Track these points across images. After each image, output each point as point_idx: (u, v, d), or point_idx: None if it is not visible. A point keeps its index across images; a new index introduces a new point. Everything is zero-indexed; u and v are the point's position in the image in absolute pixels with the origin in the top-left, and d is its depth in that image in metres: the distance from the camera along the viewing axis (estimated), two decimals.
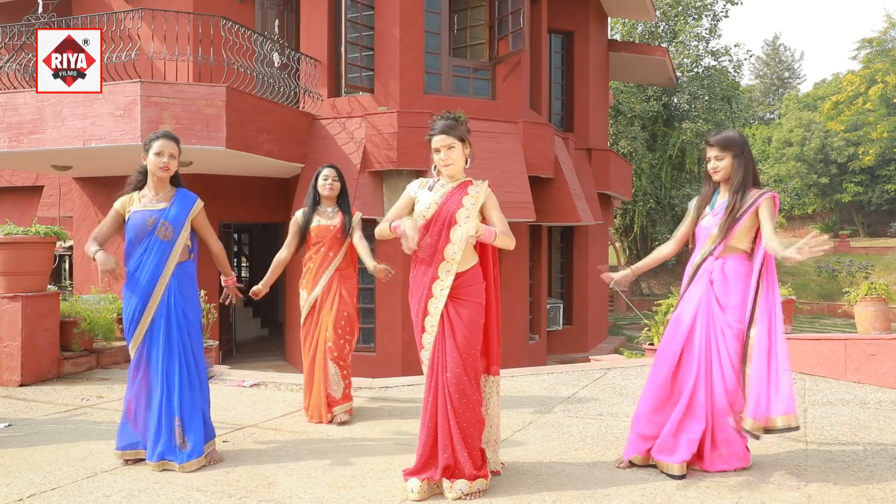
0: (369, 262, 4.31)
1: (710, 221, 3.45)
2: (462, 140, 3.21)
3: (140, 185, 3.70)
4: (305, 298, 4.63)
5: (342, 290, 4.58)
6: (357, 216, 4.67)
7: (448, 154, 3.17)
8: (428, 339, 3.15)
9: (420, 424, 3.15)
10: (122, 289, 3.65)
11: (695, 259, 3.51)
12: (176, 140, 3.69)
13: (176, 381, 3.54)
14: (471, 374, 3.07)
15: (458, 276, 3.14)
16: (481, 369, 3.22)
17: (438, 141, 3.17)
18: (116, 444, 3.60)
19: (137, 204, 3.63)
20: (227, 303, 4.18)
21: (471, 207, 3.16)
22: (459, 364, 3.05)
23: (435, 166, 3.27)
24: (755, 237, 3.39)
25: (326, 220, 4.59)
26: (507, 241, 3.15)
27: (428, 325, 3.15)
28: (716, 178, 3.45)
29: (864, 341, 5.46)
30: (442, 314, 3.11)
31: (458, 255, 3.12)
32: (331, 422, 4.44)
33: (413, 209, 3.31)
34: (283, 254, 4.67)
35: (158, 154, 3.59)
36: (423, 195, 3.26)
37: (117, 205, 3.67)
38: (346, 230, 4.58)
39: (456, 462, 3.03)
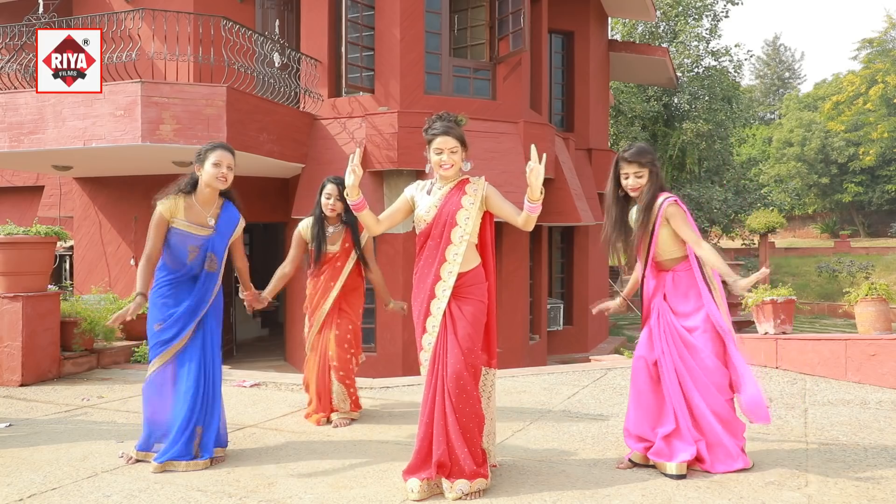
0: (387, 300, 4.54)
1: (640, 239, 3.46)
2: (463, 143, 3.21)
3: (188, 192, 3.54)
4: (309, 329, 4.59)
5: (343, 305, 4.52)
6: (364, 239, 4.53)
7: (450, 157, 3.17)
8: (428, 340, 3.15)
9: (419, 421, 3.15)
10: (155, 299, 3.54)
11: (637, 275, 3.55)
12: (233, 152, 3.58)
13: (202, 392, 3.55)
14: (471, 371, 3.07)
15: (461, 276, 3.15)
16: (482, 365, 3.21)
17: (442, 142, 3.16)
18: (138, 444, 3.62)
19: (181, 217, 3.49)
20: (254, 308, 4.15)
21: (470, 207, 3.18)
22: (461, 360, 3.05)
23: (430, 167, 3.26)
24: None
25: (329, 245, 4.49)
26: (534, 220, 3.18)
27: (429, 325, 3.15)
28: (634, 194, 3.43)
29: (865, 341, 5.46)
30: (445, 312, 3.11)
31: (459, 257, 3.14)
32: (325, 423, 4.43)
33: (407, 212, 3.32)
34: (286, 268, 4.57)
35: (217, 165, 3.47)
36: (422, 199, 3.27)
37: (164, 210, 3.48)
38: (347, 255, 4.48)
39: (455, 459, 3.03)
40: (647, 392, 3.39)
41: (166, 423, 3.56)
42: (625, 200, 3.52)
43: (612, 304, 3.76)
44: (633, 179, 3.40)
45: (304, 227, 4.56)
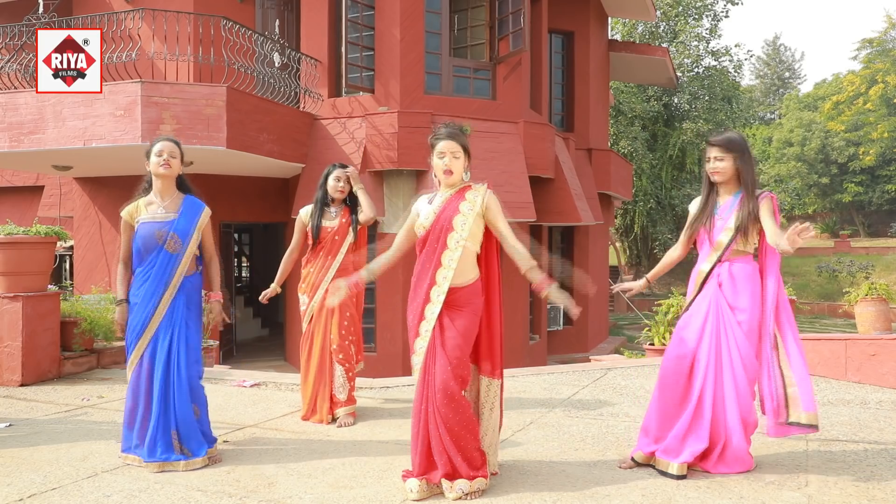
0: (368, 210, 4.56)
1: (720, 226, 3.40)
2: (466, 151, 3.22)
3: (147, 191, 3.70)
4: (306, 304, 4.63)
5: None
6: (363, 219, 4.66)
7: (452, 161, 3.17)
8: (420, 344, 3.15)
9: (412, 432, 3.14)
10: (130, 295, 3.63)
11: (702, 267, 3.47)
12: (176, 142, 3.70)
13: (175, 393, 3.54)
14: (458, 380, 3.07)
15: (458, 289, 3.14)
16: (469, 375, 3.18)
17: (446, 146, 3.17)
18: (122, 446, 3.63)
19: (145, 213, 3.61)
20: (210, 325, 3.94)
21: (468, 213, 3.16)
22: (447, 371, 3.04)
23: (435, 174, 3.26)
24: (760, 239, 3.40)
25: (328, 221, 4.58)
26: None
27: (423, 329, 3.15)
28: (716, 178, 3.42)
29: (865, 341, 5.46)
30: (436, 322, 3.11)
31: (454, 262, 3.12)
32: (332, 422, 4.44)
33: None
34: (293, 254, 4.70)
35: (159, 154, 3.61)
36: (423, 208, 3.28)
37: (126, 216, 3.65)
38: (345, 232, 4.55)
39: (453, 467, 3.04)
40: (677, 389, 3.34)
41: (143, 426, 3.55)
42: (712, 185, 3.51)
43: (636, 285, 3.72)
44: (713, 163, 3.42)
45: (306, 212, 4.66)
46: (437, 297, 3.13)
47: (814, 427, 3.28)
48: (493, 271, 3.30)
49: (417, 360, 3.16)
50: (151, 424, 3.50)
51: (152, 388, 3.55)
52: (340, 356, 4.51)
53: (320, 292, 4.55)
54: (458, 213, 3.16)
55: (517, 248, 3.18)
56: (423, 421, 3.08)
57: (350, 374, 4.55)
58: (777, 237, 3.17)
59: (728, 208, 3.40)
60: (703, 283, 3.46)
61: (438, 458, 3.03)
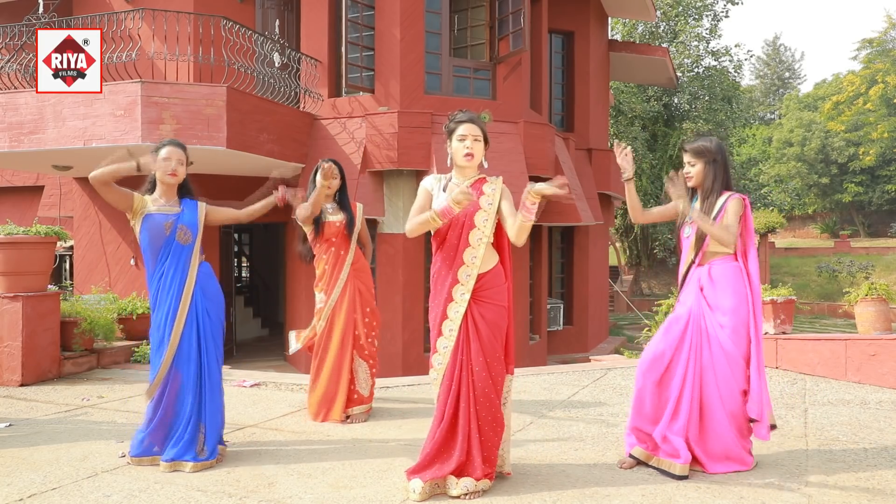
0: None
1: (689, 231, 3.48)
2: (485, 137, 3.20)
3: (150, 191, 3.70)
4: (324, 301, 4.58)
5: (360, 287, 4.62)
6: (360, 207, 4.70)
7: (474, 144, 3.14)
8: (444, 344, 3.12)
9: (433, 422, 3.12)
10: (150, 299, 3.66)
11: (681, 269, 3.57)
12: (183, 147, 3.71)
13: (207, 387, 3.58)
14: (495, 377, 3.08)
15: (480, 276, 3.11)
16: (503, 371, 3.18)
17: (468, 129, 3.14)
18: (131, 450, 3.59)
19: (151, 206, 3.63)
20: (285, 196, 4.05)
21: (488, 208, 3.14)
22: (484, 367, 3.05)
23: (450, 160, 3.21)
24: (742, 239, 3.43)
25: (332, 216, 4.56)
26: (526, 232, 3.11)
27: (446, 329, 3.12)
28: (689, 184, 3.50)
29: (865, 341, 5.46)
30: (465, 316, 3.09)
31: (478, 259, 3.11)
32: (346, 420, 4.42)
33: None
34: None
35: (166, 160, 3.61)
36: (438, 196, 3.21)
37: (135, 197, 3.61)
38: (350, 226, 4.57)
39: (469, 461, 3.03)
40: (657, 384, 3.37)
41: (168, 424, 3.56)
42: (690, 189, 3.55)
43: (630, 171, 3.48)
44: (686, 168, 3.50)
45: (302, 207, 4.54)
46: (461, 296, 3.11)
47: (775, 426, 3.43)
48: (504, 261, 3.26)
49: (439, 359, 3.13)
50: (180, 419, 3.53)
51: (183, 383, 3.56)
52: (366, 352, 4.56)
53: (338, 289, 4.54)
54: (480, 210, 3.13)
55: (512, 227, 3.09)
56: (450, 414, 3.05)
57: (373, 370, 4.59)
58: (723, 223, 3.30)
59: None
60: (683, 283, 3.53)
61: (459, 453, 3.01)
